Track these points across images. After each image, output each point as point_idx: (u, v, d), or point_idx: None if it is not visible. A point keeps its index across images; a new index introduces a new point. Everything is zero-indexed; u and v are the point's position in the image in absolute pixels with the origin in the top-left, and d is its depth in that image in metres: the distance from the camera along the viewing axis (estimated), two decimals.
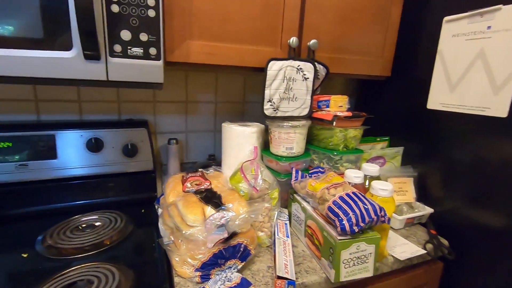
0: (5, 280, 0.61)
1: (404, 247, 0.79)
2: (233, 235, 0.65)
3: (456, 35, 0.84)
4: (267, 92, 0.80)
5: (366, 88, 1.24)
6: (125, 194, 0.96)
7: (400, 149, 1.03)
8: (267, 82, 0.80)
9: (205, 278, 0.61)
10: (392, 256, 0.74)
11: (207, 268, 0.61)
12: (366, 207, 0.63)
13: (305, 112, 0.87)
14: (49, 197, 0.88)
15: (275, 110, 0.83)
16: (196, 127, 1.11)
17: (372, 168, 0.83)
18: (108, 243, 0.75)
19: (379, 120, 1.13)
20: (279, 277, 0.58)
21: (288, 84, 0.82)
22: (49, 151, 0.87)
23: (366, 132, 1.00)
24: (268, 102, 0.81)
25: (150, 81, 0.62)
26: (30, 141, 0.85)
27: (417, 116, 0.98)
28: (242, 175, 0.72)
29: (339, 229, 0.61)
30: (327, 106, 0.90)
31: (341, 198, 0.66)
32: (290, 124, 0.83)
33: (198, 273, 0.61)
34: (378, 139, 1.06)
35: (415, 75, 0.97)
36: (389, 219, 0.65)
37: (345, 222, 0.61)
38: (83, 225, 0.82)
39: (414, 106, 0.98)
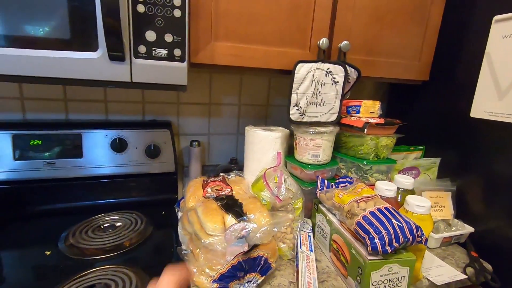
0: (27, 277, 0.61)
1: (440, 270, 0.71)
2: (253, 246, 0.62)
3: (507, 36, 0.75)
4: (293, 96, 0.76)
5: (398, 93, 1.16)
6: (146, 195, 0.96)
7: (437, 160, 0.95)
8: (294, 86, 0.76)
9: None
10: (427, 279, 0.68)
11: (225, 280, 0.58)
12: (401, 225, 0.57)
13: (333, 117, 0.82)
14: (73, 195, 0.89)
15: (301, 115, 0.79)
16: (218, 130, 1.09)
17: (405, 181, 0.76)
18: (128, 245, 0.74)
19: (413, 127, 1.04)
20: None
21: (316, 88, 0.77)
22: (76, 150, 0.88)
23: (399, 140, 0.93)
24: (294, 106, 0.77)
25: (174, 83, 0.60)
26: (58, 140, 0.87)
27: (457, 124, 0.89)
28: (265, 183, 0.68)
29: (369, 248, 0.56)
30: (358, 112, 0.84)
31: (372, 213, 0.60)
32: (317, 130, 0.78)
33: (216, 285, 0.58)
34: (412, 148, 0.98)
35: (457, 80, 0.89)
36: (426, 240, 0.59)
37: (376, 241, 0.56)
38: (105, 225, 0.82)
39: (455, 114, 0.90)
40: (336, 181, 0.84)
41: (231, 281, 0.58)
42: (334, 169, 0.86)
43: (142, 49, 0.56)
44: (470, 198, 0.87)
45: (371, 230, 0.57)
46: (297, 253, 0.66)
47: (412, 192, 0.78)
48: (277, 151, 0.85)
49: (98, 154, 0.90)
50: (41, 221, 0.83)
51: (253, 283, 0.58)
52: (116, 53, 0.53)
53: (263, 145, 0.85)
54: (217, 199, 0.69)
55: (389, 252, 0.55)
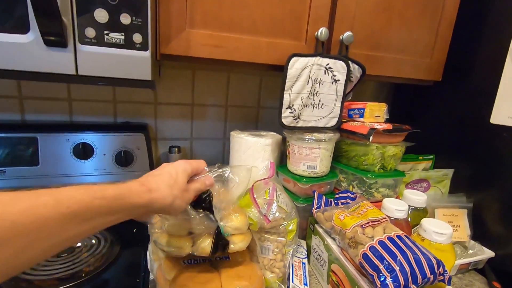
0: None
1: None
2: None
3: None
4: (286, 96, 0.64)
5: (404, 95, 1.05)
6: None
7: (450, 172, 0.83)
8: (287, 84, 0.63)
9: None
10: None
11: None
12: (419, 259, 0.45)
13: (333, 122, 0.70)
14: None
15: (295, 119, 0.67)
16: (203, 134, 0.96)
17: (417, 198, 0.65)
18: (84, 273, 0.61)
19: (421, 134, 0.93)
20: None
21: (313, 87, 0.65)
22: (30, 157, 0.75)
23: (407, 148, 0.82)
24: (287, 108, 0.65)
25: (134, 77, 0.47)
26: (10, 144, 0.73)
27: (474, 131, 0.78)
28: (252, 198, 0.56)
29: None
30: (361, 116, 0.72)
31: (381, 243, 0.48)
32: (313, 138, 0.66)
33: None
34: (421, 157, 0.86)
35: (474, 81, 0.78)
36: (450, 278, 0.47)
37: (388, 281, 0.43)
38: None
39: (471, 120, 0.78)
40: (335, 196, 0.72)
41: None
42: (333, 182, 0.74)
43: (91, 32, 0.43)
44: (488, 217, 0.75)
45: (381, 267, 0.45)
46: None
47: (424, 211, 0.67)
48: (268, 161, 0.72)
49: (58, 162, 0.77)
50: None
51: None
52: (53, 37, 0.41)
53: (251, 153, 0.73)
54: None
55: None
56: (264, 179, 0.63)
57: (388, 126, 0.69)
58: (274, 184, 0.60)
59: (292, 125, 0.67)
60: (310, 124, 0.68)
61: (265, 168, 0.71)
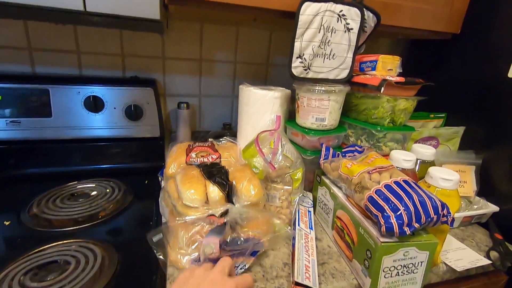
0: None
1: (460, 253, 0.61)
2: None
3: None
4: (297, 44, 0.62)
5: (420, 51, 1.00)
6: (128, 161, 0.86)
7: (460, 129, 0.82)
8: (298, 31, 0.61)
9: None
10: (445, 264, 0.58)
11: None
12: (423, 201, 0.46)
13: (344, 74, 0.68)
14: (43, 159, 0.79)
15: (305, 70, 0.65)
16: (211, 91, 0.96)
17: (426, 151, 0.65)
18: (100, 216, 0.65)
19: (434, 92, 0.91)
20: (298, 284, 0.44)
21: (325, 35, 0.63)
22: (43, 108, 0.76)
23: (417, 106, 0.80)
24: (297, 58, 0.64)
25: (142, 15, 0.46)
26: (22, 95, 0.75)
27: (489, 87, 0.75)
28: (257, 147, 0.57)
29: (383, 228, 0.45)
30: (373, 69, 0.70)
31: (387, 187, 0.49)
32: (323, 89, 0.65)
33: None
34: (432, 115, 0.85)
35: (494, 35, 0.74)
36: (453, 220, 0.48)
37: (392, 220, 0.45)
38: (76, 194, 0.72)
39: (487, 75, 0.76)
40: (343, 150, 0.73)
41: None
42: (341, 136, 0.74)
43: None
44: (497, 174, 0.75)
45: (386, 207, 0.46)
46: (294, 231, 0.56)
47: (432, 164, 0.67)
48: (275, 114, 0.72)
49: (70, 114, 0.79)
50: (7, 188, 0.73)
51: (240, 268, 0.49)
52: None
53: (259, 106, 0.72)
54: (200, 165, 0.58)
55: (407, 234, 0.44)
56: (270, 130, 0.63)
57: (401, 79, 0.67)
58: (279, 135, 0.60)
59: (302, 75, 0.66)
60: (320, 76, 0.67)
61: (272, 120, 0.71)
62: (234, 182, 0.52)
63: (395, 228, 0.44)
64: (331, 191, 0.62)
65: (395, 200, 0.46)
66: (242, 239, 0.50)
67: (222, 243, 0.46)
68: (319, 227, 0.68)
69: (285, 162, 0.59)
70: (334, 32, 0.63)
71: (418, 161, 0.66)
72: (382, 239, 0.46)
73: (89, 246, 0.54)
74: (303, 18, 0.60)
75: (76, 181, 0.76)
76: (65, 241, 0.55)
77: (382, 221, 0.46)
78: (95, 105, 0.79)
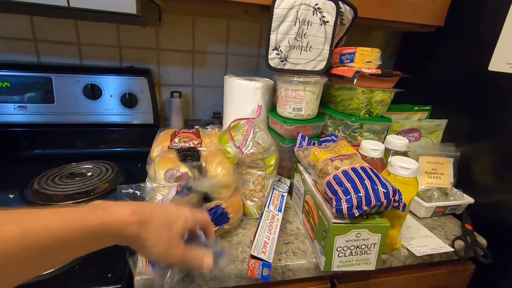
0: None
1: (424, 241, 0.64)
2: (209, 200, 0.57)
3: None
4: (272, 37, 0.66)
5: (411, 45, 1.00)
6: (123, 146, 0.92)
7: (443, 122, 0.83)
8: (273, 24, 0.64)
9: None
10: (407, 249, 0.61)
11: None
12: (376, 187, 0.49)
13: (321, 66, 0.71)
14: (46, 142, 0.86)
15: (282, 61, 0.69)
16: (204, 81, 1.00)
17: (398, 141, 0.67)
18: (92, 194, 0.71)
19: (421, 85, 0.91)
20: (253, 257, 0.49)
21: (301, 28, 0.66)
22: (47, 95, 0.84)
23: (403, 99, 0.82)
24: (273, 50, 0.67)
25: (120, 10, 0.51)
26: (28, 83, 0.82)
27: (472, 80, 0.76)
28: (228, 134, 0.61)
29: (334, 210, 0.49)
30: (351, 61, 0.72)
31: (344, 173, 0.52)
32: (300, 80, 0.68)
33: None
34: (416, 108, 0.86)
35: (477, 27, 0.74)
36: (404, 206, 0.50)
37: (343, 202, 0.48)
38: (74, 173, 0.79)
39: (470, 68, 0.76)
40: (320, 139, 0.76)
41: None
42: (319, 126, 0.77)
43: None
44: (475, 167, 0.76)
45: (339, 191, 0.50)
46: (262, 212, 0.60)
47: (405, 155, 0.69)
48: (257, 104, 0.76)
49: (71, 100, 0.85)
50: (11, 166, 0.81)
51: None
52: None
53: (242, 96, 0.76)
54: (178, 149, 0.63)
55: (356, 215, 0.48)
56: (246, 118, 0.67)
57: (377, 71, 0.69)
58: (251, 122, 0.64)
59: (279, 67, 0.69)
60: (298, 67, 0.70)
61: (253, 109, 0.75)
62: (203, 164, 0.57)
63: (344, 210, 0.48)
64: (302, 177, 0.66)
65: (349, 185, 0.50)
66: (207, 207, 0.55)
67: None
68: (293, 211, 0.72)
69: (257, 149, 0.62)
70: (310, 25, 0.66)
71: (391, 151, 0.68)
72: (333, 220, 0.49)
73: None
74: (278, 11, 0.63)
75: (75, 162, 0.84)
76: None
77: (334, 203, 0.49)
78: (93, 92, 0.85)
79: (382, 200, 0.48)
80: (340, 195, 0.49)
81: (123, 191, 0.51)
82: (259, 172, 0.65)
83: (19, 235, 0.23)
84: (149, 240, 0.31)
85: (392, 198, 0.49)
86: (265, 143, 0.63)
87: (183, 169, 0.55)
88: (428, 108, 0.86)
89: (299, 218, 0.68)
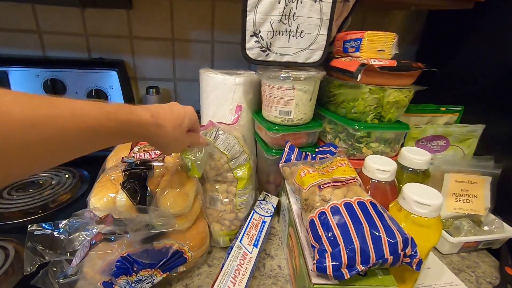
0: None
1: None
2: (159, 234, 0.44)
3: None
4: (249, 19, 0.50)
5: (437, 26, 0.81)
6: None
7: (479, 128, 0.65)
8: (249, 2, 0.49)
9: (107, 286, 0.42)
10: None
11: (114, 273, 0.41)
12: (378, 235, 0.34)
13: (316, 57, 0.54)
14: None
15: (264, 51, 0.53)
16: (187, 75, 0.86)
17: (416, 157, 0.50)
18: (49, 208, 0.61)
19: (451, 80, 0.73)
20: None
21: (288, 7, 0.50)
22: None
23: (426, 97, 0.64)
24: (252, 36, 0.52)
25: None
26: None
27: None
28: None
29: (314, 267, 0.34)
30: (357, 50, 0.55)
31: (334, 209, 0.37)
32: (286, 75, 0.52)
33: (101, 278, 0.42)
34: (443, 108, 0.68)
35: None
36: (420, 263, 0.35)
37: (327, 258, 0.34)
38: (27, 183, 0.69)
39: None
40: (316, 150, 0.60)
41: (120, 275, 0.41)
42: (315, 133, 0.61)
43: None
44: None
45: (324, 238, 0.35)
46: (231, 247, 0.47)
47: (426, 175, 0.52)
48: (236, 104, 0.61)
49: None
50: None
51: (147, 283, 0.41)
52: None
53: (219, 93, 0.62)
54: (128, 164, 0.50)
55: (346, 278, 0.33)
56: (210, 121, 0.53)
57: (391, 63, 0.52)
58: (215, 124, 0.50)
59: (260, 58, 0.54)
60: (285, 59, 0.54)
61: (231, 111, 0.60)
62: (149, 189, 0.44)
63: (329, 270, 0.33)
64: (288, 201, 0.51)
65: (337, 230, 0.35)
66: (154, 249, 0.42)
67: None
68: (279, 239, 0.58)
69: (221, 157, 0.48)
70: (301, 3, 0.50)
71: (407, 169, 0.52)
72: (314, 280, 0.35)
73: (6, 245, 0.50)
74: None
75: None
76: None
77: (316, 257, 0.35)
78: (53, 89, 0.74)
79: (386, 256, 0.33)
80: (324, 245, 0.35)
81: (35, 233, 0.39)
82: (229, 188, 0.52)
83: (71, 115, 0.25)
84: (166, 139, 0.37)
85: (402, 253, 0.34)
86: (230, 150, 0.49)
87: (121, 196, 0.42)
88: (459, 109, 0.68)
89: (284, 251, 0.54)
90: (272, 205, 0.60)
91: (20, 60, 0.74)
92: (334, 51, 0.63)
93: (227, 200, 0.52)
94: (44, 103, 0.24)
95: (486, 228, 0.58)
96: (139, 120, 0.33)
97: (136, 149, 0.57)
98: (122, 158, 0.55)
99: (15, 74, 0.73)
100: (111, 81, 0.77)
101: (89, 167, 0.76)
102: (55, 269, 0.39)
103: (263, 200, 0.61)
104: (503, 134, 0.62)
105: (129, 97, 0.80)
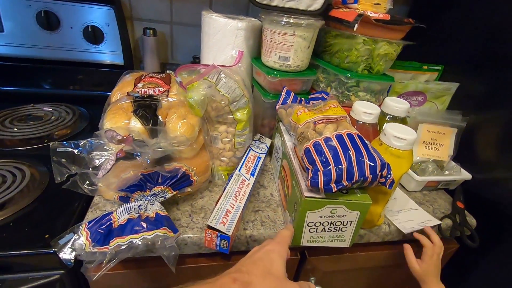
0: None
1: (410, 214, 0.58)
2: (170, 159, 0.49)
3: None
4: None
5: None
6: (89, 88, 0.82)
7: (453, 86, 0.72)
8: None
9: (124, 200, 0.47)
10: (393, 224, 0.55)
11: (130, 189, 0.46)
12: (361, 159, 0.41)
13: (317, 4, 0.57)
14: None
15: None
16: (184, 19, 0.86)
17: (397, 105, 0.57)
18: (46, 141, 0.63)
19: (435, 39, 0.78)
20: (210, 227, 0.43)
21: None
22: None
23: (411, 55, 0.69)
24: None
25: None
26: None
27: (496, 36, 0.63)
28: (178, 82, 0.52)
29: (309, 183, 0.41)
30: (356, 1, 0.58)
31: (327, 140, 0.44)
32: (289, 20, 0.55)
33: (117, 194, 0.48)
34: (426, 67, 0.74)
35: None
36: (392, 182, 0.43)
37: (320, 175, 0.40)
38: (31, 115, 0.70)
39: (497, 20, 0.63)
40: (309, 96, 0.66)
41: (136, 190, 0.47)
42: (309, 80, 0.66)
43: None
44: (480, 140, 0.68)
45: (317, 161, 0.42)
46: (231, 175, 0.53)
47: (403, 121, 0.59)
48: (238, 49, 0.64)
49: (23, 30, 0.73)
50: None
51: (160, 197, 0.47)
52: None
53: (220, 37, 0.64)
54: (136, 97, 0.53)
55: (334, 191, 0.40)
56: (211, 65, 0.56)
57: (386, 16, 0.56)
58: (216, 67, 0.54)
59: (265, 2, 0.56)
60: (288, 4, 0.57)
61: (232, 56, 0.63)
62: (160, 118, 0.48)
63: (320, 184, 0.40)
64: (282, 138, 0.57)
65: (329, 154, 0.41)
66: (165, 170, 0.47)
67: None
68: (270, 175, 0.65)
69: (222, 99, 0.53)
70: None
71: (388, 117, 0.59)
72: (306, 194, 0.42)
73: (19, 166, 0.53)
74: None
75: (33, 103, 0.74)
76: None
77: (309, 175, 0.42)
78: (47, 22, 0.72)
79: (366, 175, 0.41)
80: (318, 166, 0.41)
81: (58, 149, 0.43)
82: (228, 129, 0.57)
83: None
84: None
85: (379, 173, 0.41)
86: (231, 93, 0.53)
87: (135, 122, 0.46)
88: (439, 68, 0.75)
89: (275, 183, 0.62)
90: (266, 145, 0.66)
91: None
92: (333, 2, 0.66)
93: (226, 139, 0.57)
94: None
95: (446, 172, 0.68)
96: None
97: (140, 85, 0.60)
98: (128, 92, 0.58)
99: (6, 2, 0.70)
100: (107, 18, 0.76)
101: (88, 105, 0.78)
102: (82, 179, 0.44)
103: (258, 140, 0.67)
104: (476, 92, 0.69)
105: (125, 37, 0.79)
